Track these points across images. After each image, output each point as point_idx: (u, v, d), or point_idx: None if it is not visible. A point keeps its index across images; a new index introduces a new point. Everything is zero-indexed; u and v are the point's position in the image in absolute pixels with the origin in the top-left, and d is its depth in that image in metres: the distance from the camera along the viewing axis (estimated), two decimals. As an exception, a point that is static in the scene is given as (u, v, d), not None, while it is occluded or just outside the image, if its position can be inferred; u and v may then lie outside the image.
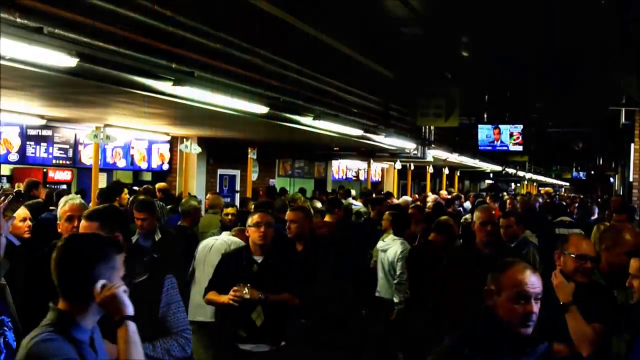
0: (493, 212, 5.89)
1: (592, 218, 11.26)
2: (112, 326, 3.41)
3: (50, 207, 8.58)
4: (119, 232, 3.72)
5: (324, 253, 6.06)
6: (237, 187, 16.94)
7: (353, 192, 17.49)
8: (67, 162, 12.59)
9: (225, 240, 6.68)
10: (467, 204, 16.94)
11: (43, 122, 11.25)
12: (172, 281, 3.73)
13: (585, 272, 3.96)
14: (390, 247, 7.47)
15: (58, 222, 4.54)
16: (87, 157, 12.71)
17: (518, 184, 47.46)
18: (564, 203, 16.37)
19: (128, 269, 3.66)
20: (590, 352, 3.58)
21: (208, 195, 10.27)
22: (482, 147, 20.72)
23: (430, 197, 15.15)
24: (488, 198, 15.71)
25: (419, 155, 18.13)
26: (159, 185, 12.21)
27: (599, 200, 24.10)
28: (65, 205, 4.57)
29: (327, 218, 8.06)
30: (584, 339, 3.61)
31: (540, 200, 16.49)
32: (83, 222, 3.65)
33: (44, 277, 4.26)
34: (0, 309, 3.25)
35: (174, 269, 3.96)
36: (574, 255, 3.99)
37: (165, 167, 14.89)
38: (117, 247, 2.83)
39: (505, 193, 28.39)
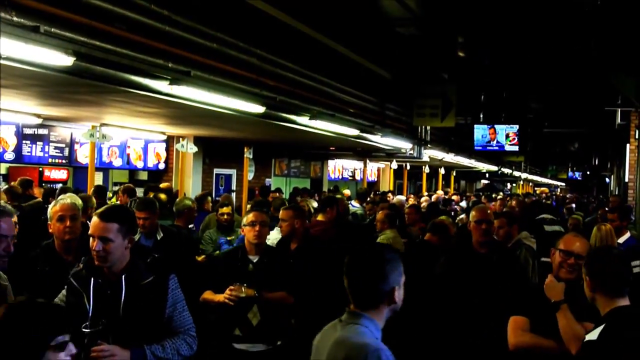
0: (489, 211, 5.91)
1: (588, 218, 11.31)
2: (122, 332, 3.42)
3: (47, 206, 8.59)
4: (132, 235, 3.70)
5: (317, 253, 6.09)
6: (233, 187, 16.95)
7: (347, 192, 17.48)
8: (63, 161, 12.59)
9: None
10: (463, 204, 17.00)
11: (39, 121, 11.24)
12: (176, 281, 3.73)
13: (569, 268, 3.99)
14: None
15: (49, 222, 4.50)
16: (83, 156, 12.70)
17: (514, 184, 47.53)
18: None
19: (134, 270, 3.65)
20: (577, 350, 3.60)
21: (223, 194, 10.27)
22: (478, 147, 20.75)
23: (433, 196, 15.17)
24: (483, 197, 15.76)
25: (415, 155, 18.14)
26: (162, 185, 12.15)
27: (594, 200, 24.16)
28: (56, 205, 4.53)
29: (320, 217, 8.05)
30: (573, 337, 3.63)
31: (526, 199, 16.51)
32: (99, 223, 3.53)
33: (38, 279, 4.27)
34: None
35: (177, 267, 3.96)
36: (558, 250, 4.04)
37: (162, 166, 14.89)
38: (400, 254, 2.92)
39: (501, 193, 28.45)
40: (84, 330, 3.46)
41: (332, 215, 8.01)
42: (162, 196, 9.78)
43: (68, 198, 4.73)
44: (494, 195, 20.66)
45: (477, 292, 5.28)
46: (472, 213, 5.73)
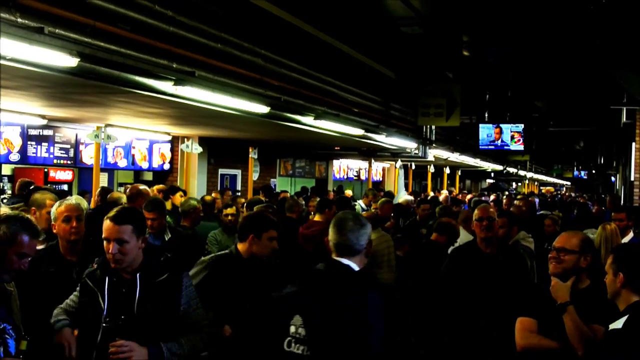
0: (491, 209, 5.88)
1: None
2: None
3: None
4: (144, 234, 3.74)
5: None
6: (238, 187, 16.95)
7: (349, 193, 17.46)
8: (68, 162, 12.60)
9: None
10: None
11: (44, 122, 11.25)
12: (188, 279, 3.79)
13: (553, 262, 3.99)
14: None
15: (53, 222, 4.50)
16: (88, 157, 12.71)
17: (519, 184, 47.45)
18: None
19: (148, 268, 3.69)
20: (585, 352, 3.58)
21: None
22: (483, 147, 20.71)
23: (441, 197, 15.14)
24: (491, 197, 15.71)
25: (420, 154, 18.12)
26: (157, 187, 12.09)
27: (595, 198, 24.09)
28: (61, 205, 4.53)
29: (317, 217, 8.02)
30: (580, 338, 3.61)
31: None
32: (113, 226, 3.57)
33: (42, 279, 4.27)
34: (3, 316, 3.22)
35: (186, 268, 3.98)
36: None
37: (166, 166, 14.89)
38: None
39: (507, 192, 28.39)
40: (103, 325, 3.48)
41: (329, 216, 7.98)
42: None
43: (73, 199, 4.74)
44: (496, 194, 20.65)
45: (482, 292, 5.27)
46: (475, 212, 5.71)
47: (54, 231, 4.49)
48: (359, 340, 3.14)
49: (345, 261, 3.35)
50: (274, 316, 3.47)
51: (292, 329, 3.32)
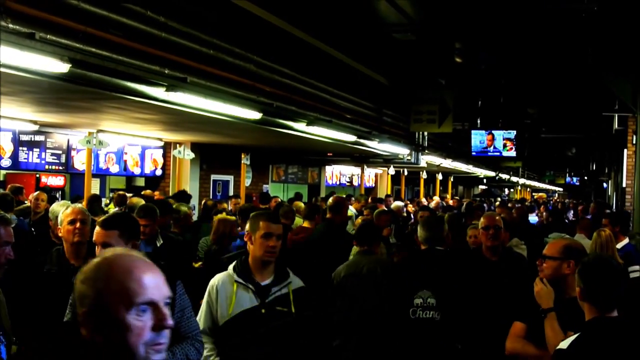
0: (497, 217, 5.84)
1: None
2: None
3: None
4: (136, 241, 3.79)
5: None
6: (231, 193, 16.92)
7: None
8: (60, 168, 12.56)
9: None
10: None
11: (36, 127, 11.22)
12: (182, 287, 3.77)
13: (540, 268, 4.02)
14: None
15: (58, 226, 4.57)
16: (80, 162, 12.67)
17: (512, 190, 47.54)
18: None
19: None
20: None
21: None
22: (475, 153, 20.75)
23: (432, 203, 15.14)
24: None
25: (412, 160, 18.13)
26: (145, 192, 12.04)
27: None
28: (67, 209, 4.59)
29: (305, 224, 7.99)
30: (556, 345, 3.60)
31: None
32: (100, 231, 3.67)
33: (43, 279, 4.28)
34: None
35: (177, 274, 3.97)
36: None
37: (159, 172, 14.85)
38: None
39: (499, 199, 28.43)
40: None
41: (318, 222, 7.95)
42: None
43: (78, 204, 4.81)
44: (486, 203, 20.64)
45: (490, 299, 5.25)
46: (481, 220, 5.69)
47: (60, 234, 4.54)
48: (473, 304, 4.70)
49: (439, 248, 5.08)
50: (401, 293, 4.84)
51: (418, 300, 4.73)
